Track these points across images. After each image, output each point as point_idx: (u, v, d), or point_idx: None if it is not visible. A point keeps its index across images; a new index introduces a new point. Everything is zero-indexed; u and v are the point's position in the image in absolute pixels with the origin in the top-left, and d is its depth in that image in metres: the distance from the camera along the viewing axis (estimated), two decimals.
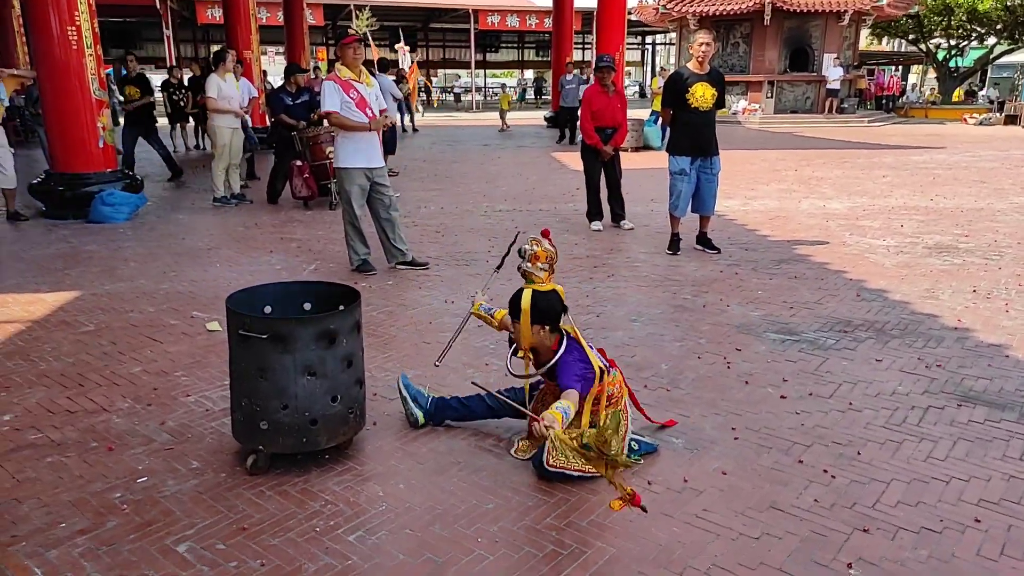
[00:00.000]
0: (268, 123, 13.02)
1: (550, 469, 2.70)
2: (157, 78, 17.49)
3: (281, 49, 29.74)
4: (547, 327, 2.80)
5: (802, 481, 2.77)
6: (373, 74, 6.93)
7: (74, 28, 7.45)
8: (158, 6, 26.25)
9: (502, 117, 20.83)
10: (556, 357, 2.77)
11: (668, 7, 24.51)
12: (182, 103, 13.93)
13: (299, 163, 8.49)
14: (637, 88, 44.97)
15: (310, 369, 2.70)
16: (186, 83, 14.20)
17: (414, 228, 7.25)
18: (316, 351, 2.70)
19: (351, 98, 5.41)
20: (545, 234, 2.93)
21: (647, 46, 48.88)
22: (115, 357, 3.98)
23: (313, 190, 8.51)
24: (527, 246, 2.86)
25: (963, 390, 3.56)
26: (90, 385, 3.62)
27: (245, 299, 2.96)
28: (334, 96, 5.37)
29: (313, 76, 14.29)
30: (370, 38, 18.32)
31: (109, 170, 8.05)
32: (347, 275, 5.62)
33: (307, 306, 3.09)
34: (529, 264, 2.84)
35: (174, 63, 19.03)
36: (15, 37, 15.98)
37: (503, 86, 22.12)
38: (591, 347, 2.86)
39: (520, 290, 2.85)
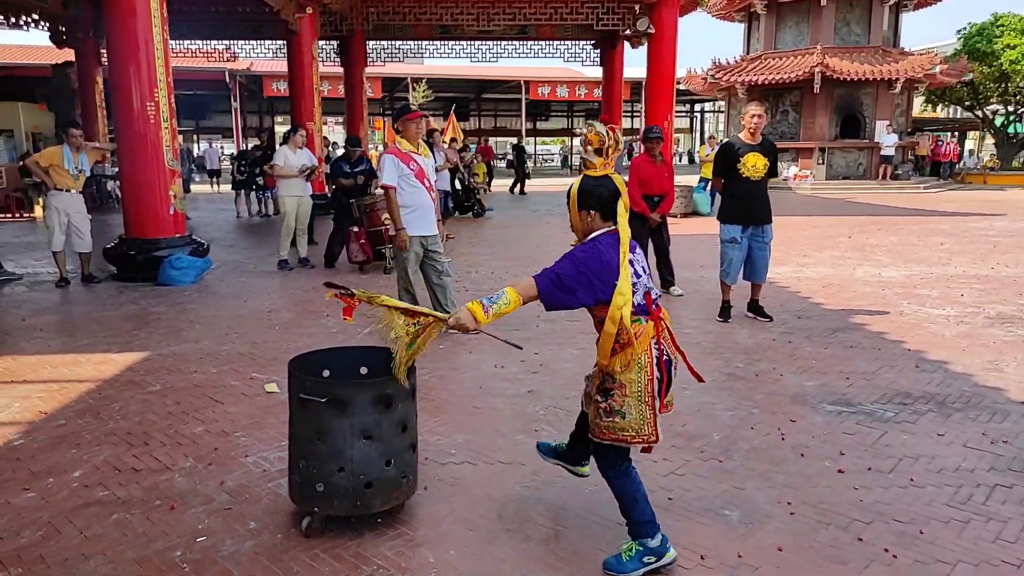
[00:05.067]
0: (327, 191, 13.61)
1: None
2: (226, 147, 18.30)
3: (341, 119, 31.08)
4: (595, 213, 2.61)
5: (863, 560, 2.68)
6: (431, 147, 7.19)
7: (153, 103, 7.97)
8: (228, 81, 27.94)
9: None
10: (584, 239, 2.58)
11: (717, 77, 24.90)
12: (243, 175, 15.05)
13: (356, 229, 8.80)
14: (686, 155, 45.30)
15: (366, 433, 2.77)
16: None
17: (465, 293, 7.37)
18: (373, 415, 2.78)
19: (411, 169, 5.62)
20: (603, 120, 2.79)
21: (695, 114, 49.54)
22: (179, 417, 4.13)
23: (368, 255, 8.78)
24: (584, 130, 2.73)
25: None
26: (155, 444, 3.75)
27: (305, 362, 3.07)
28: (392, 170, 5.60)
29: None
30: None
31: (178, 235, 8.46)
32: None
33: (364, 370, 3.18)
34: (582, 150, 2.72)
35: (243, 135, 20.08)
36: (96, 112, 17.16)
37: (476, 154, 19.17)
38: (636, 267, 2.63)
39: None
